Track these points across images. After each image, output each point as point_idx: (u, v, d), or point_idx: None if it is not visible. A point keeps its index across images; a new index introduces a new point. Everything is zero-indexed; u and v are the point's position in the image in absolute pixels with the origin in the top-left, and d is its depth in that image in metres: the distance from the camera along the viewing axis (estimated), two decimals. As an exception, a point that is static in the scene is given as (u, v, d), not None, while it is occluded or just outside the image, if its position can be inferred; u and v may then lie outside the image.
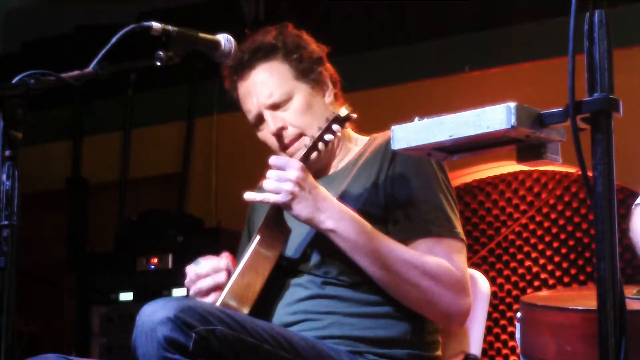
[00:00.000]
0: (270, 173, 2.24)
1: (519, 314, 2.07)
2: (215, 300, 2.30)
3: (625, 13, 4.10)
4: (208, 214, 5.00)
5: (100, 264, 4.84)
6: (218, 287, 2.33)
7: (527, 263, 4.31)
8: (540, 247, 4.29)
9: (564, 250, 4.25)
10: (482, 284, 2.52)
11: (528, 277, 4.30)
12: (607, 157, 1.47)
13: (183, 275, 2.38)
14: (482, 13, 4.66)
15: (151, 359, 1.96)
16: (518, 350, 2.10)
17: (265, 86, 2.43)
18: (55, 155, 5.72)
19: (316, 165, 2.37)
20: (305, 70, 2.45)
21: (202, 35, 2.11)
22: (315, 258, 2.33)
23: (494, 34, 4.59)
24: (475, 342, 2.47)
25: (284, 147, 2.42)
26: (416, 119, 1.61)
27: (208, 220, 4.82)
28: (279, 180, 2.21)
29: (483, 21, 4.65)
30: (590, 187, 1.48)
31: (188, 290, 2.38)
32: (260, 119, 2.45)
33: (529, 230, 4.33)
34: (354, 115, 2.35)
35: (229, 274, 2.33)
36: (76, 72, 1.92)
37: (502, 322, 4.34)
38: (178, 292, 4.40)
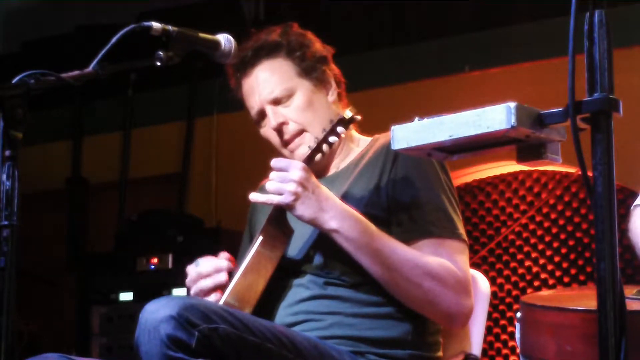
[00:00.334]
0: (272, 174, 2.24)
1: (519, 314, 2.07)
2: (217, 300, 2.30)
3: (625, 13, 4.10)
4: (208, 214, 5.00)
5: (100, 264, 4.84)
6: (219, 287, 2.33)
7: (527, 263, 4.31)
8: (540, 247, 4.29)
9: (564, 250, 4.25)
10: (482, 284, 2.52)
11: (528, 277, 4.30)
12: (607, 157, 1.47)
13: (183, 275, 2.38)
14: (482, 13, 4.66)
15: (154, 357, 1.96)
16: (518, 350, 2.09)
17: (267, 82, 2.44)
18: (55, 155, 5.72)
19: (318, 165, 2.37)
20: (308, 68, 2.46)
21: (202, 35, 2.11)
22: (317, 258, 2.33)
23: (494, 34, 4.59)
24: (475, 342, 2.47)
25: (284, 143, 2.43)
26: (416, 119, 1.61)
27: (208, 220, 4.82)
28: (282, 181, 2.21)
29: (483, 21, 4.65)
30: (590, 187, 1.48)
31: (189, 290, 2.38)
32: (262, 115, 2.46)
33: (529, 230, 4.33)
34: (359, 117, 2.36)
35: (230, 275, 2.33)
36: (76, 72, 1.92)
37: (502, 322, 4.34)
38: (178, 292, 4.39)
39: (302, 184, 2.20)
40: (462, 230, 2.34)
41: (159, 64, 1.99)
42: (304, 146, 2.38)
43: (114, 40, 1.93)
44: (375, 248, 2.22)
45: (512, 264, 4.35)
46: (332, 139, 2.33)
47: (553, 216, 4.28)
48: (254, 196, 2.29)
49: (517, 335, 2.06)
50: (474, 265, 4.14)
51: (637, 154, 3.82)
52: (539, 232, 4.30)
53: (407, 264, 2.23)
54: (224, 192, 5.18)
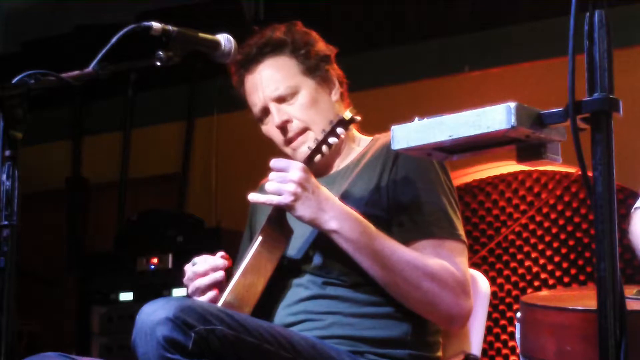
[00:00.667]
0: (272, 175, 2.24)
1: (519, 314, 2.07)
2: (214, 297, 2.30)
3: (625, 13, 4.10)
4: (208, 214, 5.00)
5: (100, 264, 4.84)
6: (215, 285, 2.33)
7: (527, 263, 4.31)
8: (540, 247, 4.29)
9: (564, 250, 4.25)
10: (482, 284, 2.52)
11: (528, 277, 4.30)
12: (607, 157, 1.47)
13: (183, 275, 2.38)
14: (482, 13, 4.66)
15: (151, 359, 1.96)
16: (518, 350, 2.09)
17: (271, 80, 2.44)
18: (55, 155, 5.72)
19: (318, 166, 2.37)
20: (312, 67, 2.46)
21: (202, 35, 2.11)
22: (316, 258, 2.33)
23: (494, 34, 4.59)
24: (475, 342, 2.47)
25: (288, 141, 2.43)
26: (416, 119, 1.61)
27: (208, 220, 4.82)
28: (282, 182, 2.21)
29: (483, 21, 4.64)
30: (590, 187, 1.48)
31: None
32: (265, 113, 2.46)
33: (529, 230, 4.33)
34: (358, 118, 2.36)
35: (229, 274, 2.33)
36: (76, 72, 1.92)
37: (502, 322, 4.34)
38: (178, 292, 4.40)
39: (301, 184, 2.20)
40: (461, 231, 2.34)
41: (159, 64, 1.99)
42: (306, 145, 2.38)
43: (114, 40, 1.93)
44: (375, 249, 2.22)
45: (512, 264, 4.34)
46: (331, 140, 2.33)
47: (553, 216, 4.28)
48: (254, 196, 2.29)
49: (517, 335, 2.06)
50: (474, 265, 4.16)
51: (637, 154, 3.82)
52: (539, 232, 4.30)
53: (406, 265, 2.23)
54: (224, 192, 5.18)
